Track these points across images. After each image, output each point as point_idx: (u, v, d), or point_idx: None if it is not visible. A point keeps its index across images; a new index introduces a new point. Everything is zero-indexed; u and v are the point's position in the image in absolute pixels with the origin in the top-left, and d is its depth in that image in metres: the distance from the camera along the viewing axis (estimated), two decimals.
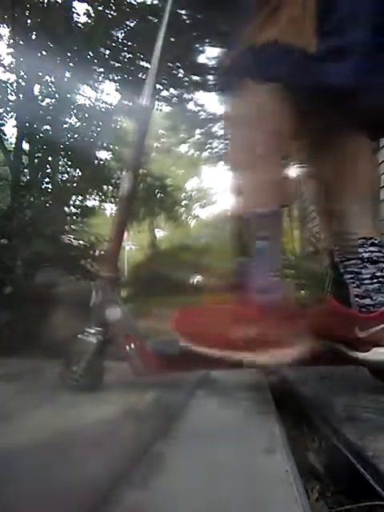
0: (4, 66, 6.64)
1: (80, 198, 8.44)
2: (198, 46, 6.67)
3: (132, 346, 0.85)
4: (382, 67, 0.74)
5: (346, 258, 0.87)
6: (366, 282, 0.84)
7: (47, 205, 6.32)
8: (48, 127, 6.94)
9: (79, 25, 6.41)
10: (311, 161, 0.99)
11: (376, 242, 0.86)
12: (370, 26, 0.71)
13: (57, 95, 6.89)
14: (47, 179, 7.64)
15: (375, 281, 0.84)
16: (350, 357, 0.85)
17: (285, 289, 0.81)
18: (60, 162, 7.96)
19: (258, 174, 0.79)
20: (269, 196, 0.79)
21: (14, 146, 6.66)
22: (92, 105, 7.71)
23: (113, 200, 8.52)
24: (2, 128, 6.70)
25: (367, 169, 0.92)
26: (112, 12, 6.22)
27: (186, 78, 7.09)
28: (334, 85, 0.73)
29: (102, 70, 7.04)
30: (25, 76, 6.41)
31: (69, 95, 7.09)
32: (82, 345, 0.85)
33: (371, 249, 0.85)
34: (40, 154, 7.15)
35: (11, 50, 6.49)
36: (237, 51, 0.82)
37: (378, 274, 0.84)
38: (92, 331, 0.86)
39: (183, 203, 9.94)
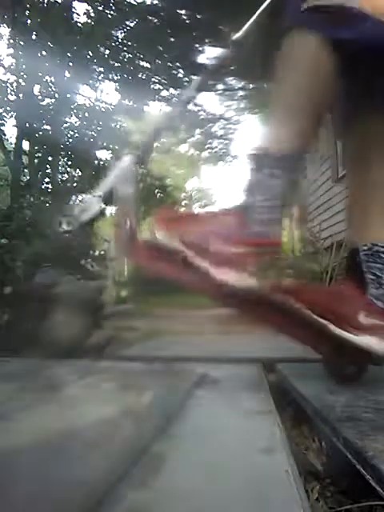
0: (4, 67, 6.66)
1: (80, 198, 8.47)
2: (197, 46, 6.68)
3: (127, 223, 0.85)
4: None
5: (372, 259, 0.89)
6: None
7: (47, 205, 6.33)
8: (48, 127, 6.96)
9: (79, 25, 6.42)
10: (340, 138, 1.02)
11: None
12: None
13: (57, 95, 6.91)
14: (47, 179, 7.66)
15: None
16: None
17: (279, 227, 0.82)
18: (60, 162, 7.97)
19: (286, 119, 0.82)
20: (288, 142, 0.81)
21: (14, 145, 6.68)
22: (92, 105, 7.72)
23: None
24: (1, 128, 6.72)
25: None
26: (112, 12, 6.23)
27: (186, 78, 7.09)
28: None
29: (101, 69, 7.05)
30: (25, 76, 6.43)
31: (69, 95, 7.11)
32: (86, 203, 0.88)
33: None
34: (40, 154, 7.16)
35: (11, 50, 6.50)
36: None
37: None
38: (99, 194, 0.91)
39: (183, 203, 9.94)
